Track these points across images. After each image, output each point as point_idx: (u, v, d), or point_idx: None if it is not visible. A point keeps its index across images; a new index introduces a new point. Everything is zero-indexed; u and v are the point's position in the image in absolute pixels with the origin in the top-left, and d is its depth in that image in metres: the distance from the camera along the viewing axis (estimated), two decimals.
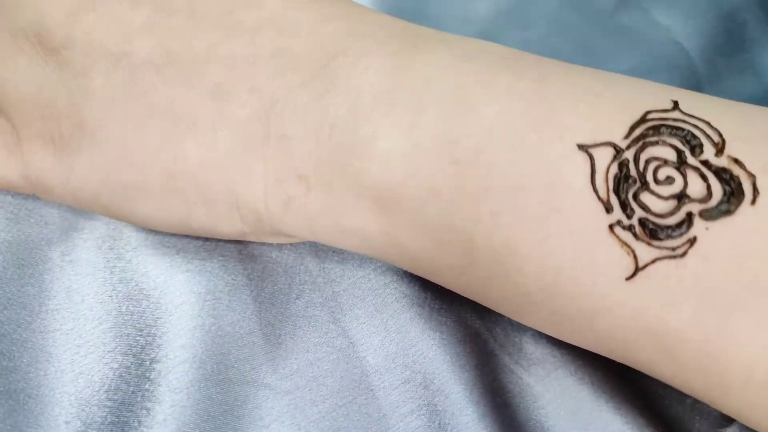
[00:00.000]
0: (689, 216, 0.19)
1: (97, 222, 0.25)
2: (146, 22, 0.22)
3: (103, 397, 0.24)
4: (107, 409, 0.24)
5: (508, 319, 0.26)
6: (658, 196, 0.20)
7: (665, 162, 0.20)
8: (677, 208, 0.19)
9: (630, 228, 0.20)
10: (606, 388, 0.24)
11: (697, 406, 0.25)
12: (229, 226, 0.23)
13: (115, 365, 0.25)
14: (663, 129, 0.20)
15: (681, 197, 0.20)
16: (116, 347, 0.25)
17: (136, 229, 0.26)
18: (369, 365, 0.25)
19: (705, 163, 0.20)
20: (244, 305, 0.25)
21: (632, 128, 0.20)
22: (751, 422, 0.21)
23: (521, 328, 0.26)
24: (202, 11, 0.22)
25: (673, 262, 0.19)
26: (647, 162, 0.20)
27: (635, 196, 0.20)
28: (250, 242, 0.26)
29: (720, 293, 0.19)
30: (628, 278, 0.20)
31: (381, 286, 0.25)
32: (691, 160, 0.20)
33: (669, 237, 0.19)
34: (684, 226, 0.19)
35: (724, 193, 0.19)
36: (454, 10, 0.31)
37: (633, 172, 0.20)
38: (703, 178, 0.19)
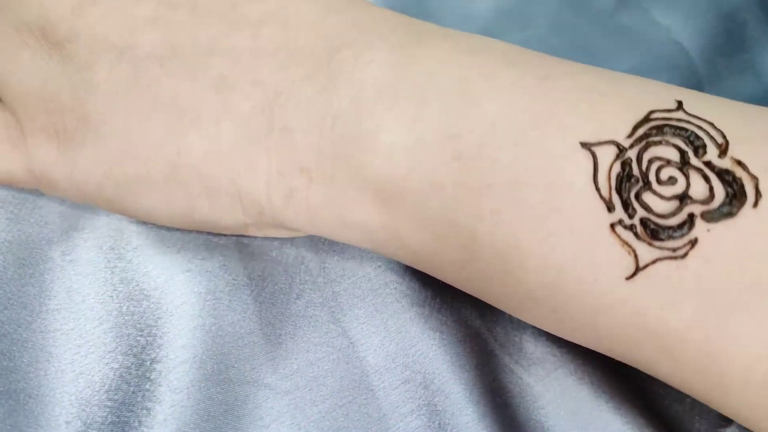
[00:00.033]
0: (691, 217, 0.19)
1: (98, 222, 0.25)
2: (150, 16, 0.22)
3: (103, 397, 0.24)
4: (108, 409, 0.24)
5: (509, 318, 0.26)
6: (660, 197, 0.20)
7: (668, 162, 0.20)
8: (679, 209, 0.20)
9: (631, 227, 0.20)
10: (606, 387, 0.25)
11: (696, 405, 0.25)
12: (231, 218, 0.23)
13: (116, 365, 0.25)
14: (666, 129, 0.20)
15: (683, 198, 0.20)
16: (117, 347, 0.25)
17: (137, 229, 0.26)
18: (369, 365, 0.25)
19: (708, 164, 0.20)
20: (244, 305, 0.25)
21: (636, 127, 0.20)
22: (749, 423, 0.21)
23: (521, 328, 0.26)
24: (206, 4, 0.23)
25: (674, 262, 0.19)
26: (650, 162, 0.20)
27: (637, 196, 0.20)
28: (250, 242, 0.26)
29: (720, 294, 0.19)
30: (629, 278, 0.20)
31: (381, 286, 0.26)
32: (694, 160, 0.20)
33: (670, 238, 0.19)
34: (685, 227, 0.19)
35: (727, 195, 0.19)
36: (455, 9, 0.31)
37: (636, 171, 0.20)
38: (706, 179, 0.20)
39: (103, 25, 0.22)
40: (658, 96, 0.21)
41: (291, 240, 0.26)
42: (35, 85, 0.23)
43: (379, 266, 0.26)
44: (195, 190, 0.22)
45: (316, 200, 0.22)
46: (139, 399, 0.24)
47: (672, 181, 0.20)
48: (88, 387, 0.24)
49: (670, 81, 0.28)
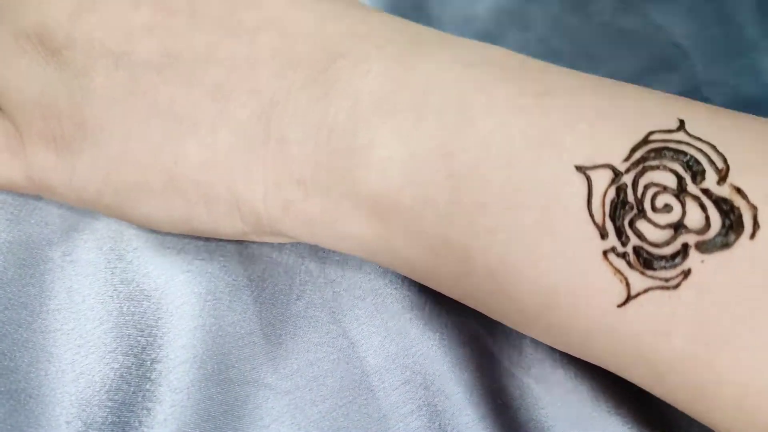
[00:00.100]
0: (685, 247, 0.19)
1: (98, 223, 0.25)
2: (147, 23, 0.22)
3: (103, 397, 0.24)
4: (108, 410, 0.24)
5: None
6: (655, 225, 0.20)
7: (664, 189, 0.20)
8: (673, 238, 0.19)
9: (624, 255, 0.20)
10: (606, 389, 0.25)
11: None
12: (230, 226, 0.23)
13: (116, 365, 0.25)
14: (665, 152, 0.20)
15: (678, 227, 0.19)
16: (117, 347, 0.25)
17: (137, 229, 0.26)
18: (369, 365, 0.25)
19: (706, 191, 0.19)
20: (244, 306, 0.25)
21: (633, 150, 0.20)
22: None
23: None
24: (203, 11, 0.23)
25: (666, 292, 0.19)
26: (646, 188, 0.20)
27: (631, 223, 0.20)
28: (250, 243, 0.26)
29: (712, 327, 0.19)
30: (621, 305, 0.20)
31: (381, 287, 0.26)
32: (691, 187, 0.19)
33: (663, 268, 0.19)
34: (679, 258, 0.19)
35: (723, 226, 0.19)
36: (455, 10, 0.31)
37: (630, 197, 0.20)
38: (703, 208, 0.19)
39: (100, 31, 0.23)
40: (659, 114, 0.20)
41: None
42: (33, 91, 0.23)
43: (379, 267, 0.26)
44: (193, 198, 0.22)
45: (312, 212, 0.22)
46: (140, 399, 0.25)
47: (667, 208, 0.20)
48: (89, 387, 0.25)
49: (669, 83, 0.28)
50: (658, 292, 0.19)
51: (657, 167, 0.20)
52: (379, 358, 0.25)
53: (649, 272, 0.19)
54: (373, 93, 0.21)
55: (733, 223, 0.19)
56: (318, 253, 0.26)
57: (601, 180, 0.20)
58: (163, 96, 0.22)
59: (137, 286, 0.25)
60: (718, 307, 0.19)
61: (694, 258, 0.19)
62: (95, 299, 0.25)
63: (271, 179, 0.22)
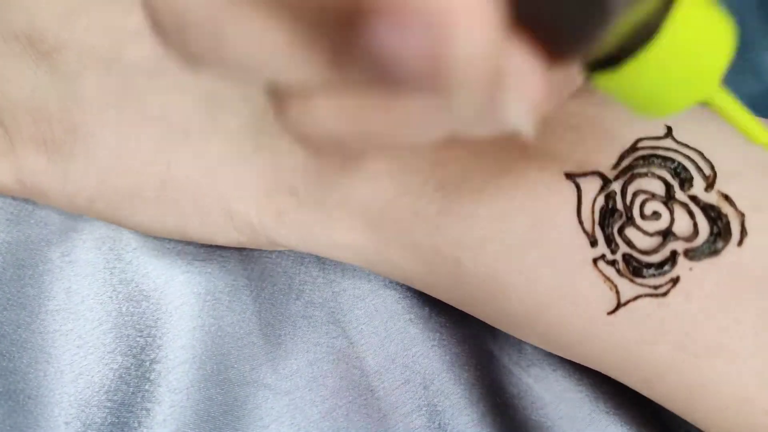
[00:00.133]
0: (673, 254, 0.20)
1: (97, 223, 0.26)
2: (138, 28, 0.22)
3: (102, 397, 0.24)
4: (107, 410, 0.24)
5: None
6: (644, 232, 0.20)
7: (653, 196, 0.20)
8: (662, 246, 0.20)
9: (614, 263, 0.20)
10: (605, 388, 0.25)
11: None
12: (224, 234, 0.23)
13: (115, 366, 0.25)
14: (653, 159, 0.20)
15: (666, 234, 0.20)
16: (116, 348, 0.25)
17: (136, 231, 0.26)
18: (369, 366, 0.25)
19: (693, 198, 0.20)
20: (244, 306, 0.25)
21: (621, 157, 0.20)
22: None
23: None
24: None
25: (655, 300, 0.20)
26: (635, 195, 0.20)
27: (620, 231, 0.20)
28: None
29: (699, 335, 0.19)
30: (610, 313, 0.20)
31: (381, 287, 0.26)
32: (679, 194, 0.20)
33: (652, 276, 0.20)
34: (667, 265, 0.20)
35: (711, 233, 0.19)
36: None
37: (620, 205, 0.20)
38: (691, 215, 0.20)
39: (90, 35, 0.23)
40: (647, 121, 0.20)
41: None
42: (23, 94, 0.23)
43: None
44: (186, 207, 0.22)
45: (305, 222, 0.22)
46: (139, 399, 0.25)
47: (656, 216, 0.20)
48: (88, 388, 0.25)
49: None
50: (647, 300, 0.20)
51: (645, 174, 0.20)
52: (379, 358, 0.25)
53: (639, 280, 0.20)
54: None
55: (721, 230, 0.19)
56: None
57: (591, 187, 0.20)
58: (155, 102, 0.22)
59: (136, 286, 0.25)
60: (705, 314, 0.19)
61: (682, 265, 0.20)
62: (94, 300, 0.25)
63: (263, 188, 0.22)
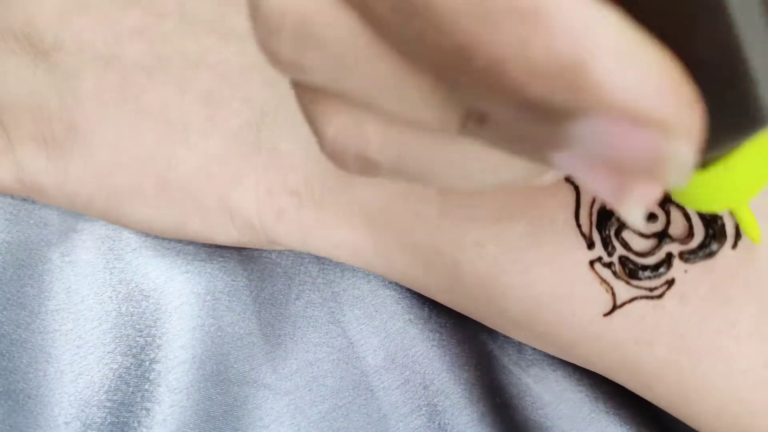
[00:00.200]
0: (669, 257, 0.20)
1: (97, 223, 0.26)
2: (137, 26, 0.23)
3: (102, 397, 0.25)
4: (107, 410, 0.25)
5: None
6: (640, 234, 0.20)
7: None
8: (657, 248, 0.20)
9: (610, 265, 0.20)
10: (605, 388, 0.25)
11: None
12: (224, 233, 0.23)
13: (115, 366, 0.25)
14: None
15: (662, 236, 0.20)
16: (116, 348, 0.25)
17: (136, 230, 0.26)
18: (369, 365, 0.25)
19: None
20: (243, 306, 0.25)
21: None
22: None
23: None
24: (194, 15, 0.23)
25: (650, 302, 0.20)
26: None
27: (617, 233, 0.20)
28: None
29: (694, 336, 0.20)
30: (606, 314, 0.20)
31: (380, 287, 0.26)
32: None
33: (647, 278, 0.20)
34: (663, 267, 0.20)
35: (706, 236, 0.20)
36: None
37: None
38: (686, 217, 0.20)
39: (89, 33, 0.23)
40: None
41: None
42: (21, 92, 0.23)
43: None
44: (186, 205, 0.23)
45: (306, 221, 0.22)
46: (139, 399, 0.25)
47: (653, 218, 0.20)
48: (88, 387, 0.25)
49: None
50: (642, 302, 0.20)
51: None
52: (379, 358, 0.26)
53: (634, 282, 0.20)
54: None
55: (716, 232, 0.20)
56: None
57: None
58: (154, 100, 0.22)
59: (136, 286, 0.26)
60: (700, 316, 0.20)
61: (677, 267, 0.20)
62: (94, 299, 0.26)
63: (264, 188, 0.22)
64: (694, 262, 0.20)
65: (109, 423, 0.25)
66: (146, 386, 0.25)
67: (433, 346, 0.26)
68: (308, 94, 0.14)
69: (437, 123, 0.13)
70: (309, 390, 0.26)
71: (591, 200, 0.20)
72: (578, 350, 0.22)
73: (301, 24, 0.13)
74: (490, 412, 0.26)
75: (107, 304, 0.26)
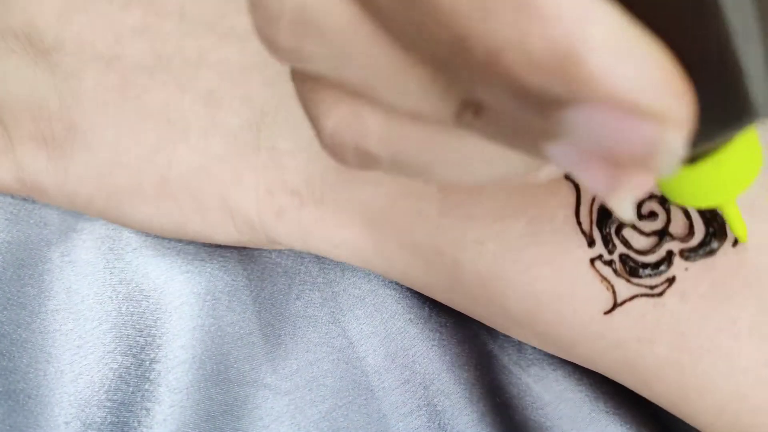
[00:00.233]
0: (669, 255, 0.20)
1: (97, 223, 0.26)
2: (137, 25, 0.23)
3: (102, 397, 0.25)
4: (107, 410, 0.25)
5: None
6: (641, 232, 0.20)
7: (650, 196, 0.20)
8: (658, 246, 0.20)
9: (610, 263, 0.20)
10: (605, 388, 0.25)
11: None
12: (224, 233, 0.24)
13: (115, 365, 0.25)
14: None
15: (663, 234, 0.20)
16: (116, 348, 0.25)
17: (136, 230, 0.26)
18: (369, 365, 0.25)
19: None
20: (243, 306, 0.26)
21: None
22: None
23: None
24: (194, 15, 0.23)
25: (651, 300, 0.20)
26: None
27: (617, 231, 0.20)
28: None
29: (694, 335, 0.20)
30: (607, 312, 0.20)
31: (381, 287, 0.26)
32: None
33: (648, 276, 0.20)
34: (663, 265, 0.20)
35: (707, 233, 0.20)
36: None
37: None
38: (687, 215, 0.20)
39: (90, 33, 0.23)
40: None
41: None
42: (22, 92, 0.23)
43: None
44: (186, 204, 0.23)
45: (306, 221, 0.23)
46: (139, 399, 0.25)
47: (653, 216, 0.20)
48: (88, 387, 0.25)
49: None
50: (643, 300, 0.20)
51: None
52: (379, 358, 0.26)
53: (635, 280, 0.20)
54: None
55: (716, 230, 0.20)
56: None
57: None
58: (155, 99, 0.23)
59: (136, 286, 0.26)
60: (700, 314, 0.20)
61: (678, 265, 0.20)
62: (94, 299, 0.26)
63: (264, 187, 0.22)
64: (694, 260, 0.20)
65: (109, 423, 0.25)
66: (146, 386, 0.25)
67: (433, 345, 0.26)
68: (307, 84, 0.15)
69: (434, 113, 0.13)
70: (309, 390, 0.26)
71: (591, 198, 0.21)
72: (579, 349, 0.22)
73: (300, 11, 0.13)
74: (490, 412, 0.26)
75: (107, 303, 0.26)
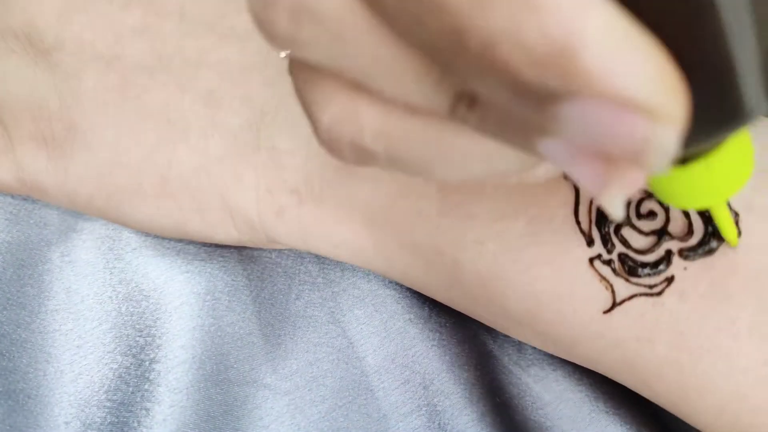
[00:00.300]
0: (668, 254, 0.20)
1: (97, 223, 0.26)
2: (138, 25, 0.23)
3: (102, 397, 0.25)
4: (107, 410, 0.25)
5: None
6: (639, 231, 0.20)
7: (649, 195, 0.20)
8: (657, 245, 0.20)
9: (609, 263, 0.20)
10: (605, 388, 0.25)
11: None
12: (224, 233, 0.24)
13: (115, 366, 0.25)
14: None
15: (661, 234, 0.20)
16: (116, 348, 0.25)
17: (136, 230, 0.26)
18: (369, 365, 0.25)
19: None
20: (243, 306, 0.26)
21: None
22: None
23: None
24: (194, 15, 0.23)
25: (650, 299, 0.20)
26: None
27: (616, 231, 0.20)
28: None
29: (694, 334, 0.20)
30: (606, 312, 0.20)
31: (380, 287, 0.26)
32: None
33: (647, 275, 0.20)
34: (662, 265, 0.20)
35: (706, 233, 0.20)
36: None
37: None
38: (686, 214, 0.20)
39: (90, 32, 0.23)
40: None
41: None
42: (22, 92, 0.24)
43: None
44: (186, 204, 0.23)
45: (306, 220, 0.23)
46: (138, 399, 0.25)
47: (652, 215, 0.20)
48: (87, 387, 0.25)
49: None
50: (642, 299, 0.20)
51: None
52: (379, 358, 0.26)
53: (634, 279, 0.20)
54: None
55: (715, 230, 0.20)
56: None
57: None
58: (155, 99, 0.23)
59: (136, 286, 0.26)
60: (700, 313, 0.20)
61: (677, 265, 0.20)
62: (94, 299, 0.26)
63: (263, 186, 0.23)
64: (693, 260, 0.20)
65: (109, 423, 0.25)
66: (146, 386, 0.25)
67: (433, 345, 0.26)
68: (304, 74, 0.15)
69: (429, 105, 0.13)
70: (309, 390, 0.26)
71: (590, 198, 0.20)
72: (579, 349, 0.22)
73: None
74: (490, 412, 0.26)
75: (107, 304, 0.26)
